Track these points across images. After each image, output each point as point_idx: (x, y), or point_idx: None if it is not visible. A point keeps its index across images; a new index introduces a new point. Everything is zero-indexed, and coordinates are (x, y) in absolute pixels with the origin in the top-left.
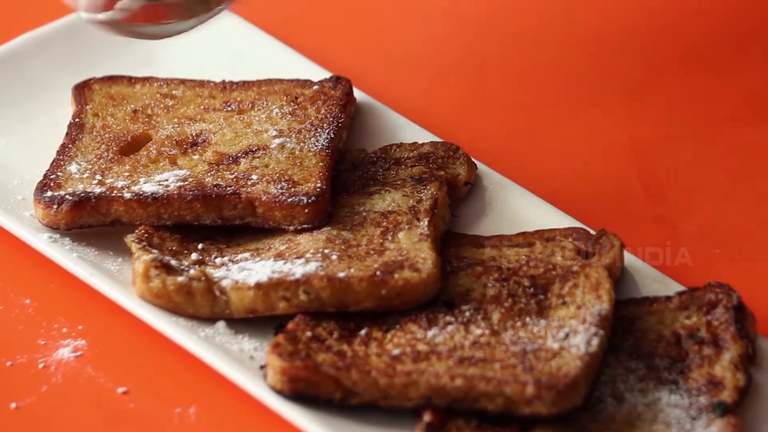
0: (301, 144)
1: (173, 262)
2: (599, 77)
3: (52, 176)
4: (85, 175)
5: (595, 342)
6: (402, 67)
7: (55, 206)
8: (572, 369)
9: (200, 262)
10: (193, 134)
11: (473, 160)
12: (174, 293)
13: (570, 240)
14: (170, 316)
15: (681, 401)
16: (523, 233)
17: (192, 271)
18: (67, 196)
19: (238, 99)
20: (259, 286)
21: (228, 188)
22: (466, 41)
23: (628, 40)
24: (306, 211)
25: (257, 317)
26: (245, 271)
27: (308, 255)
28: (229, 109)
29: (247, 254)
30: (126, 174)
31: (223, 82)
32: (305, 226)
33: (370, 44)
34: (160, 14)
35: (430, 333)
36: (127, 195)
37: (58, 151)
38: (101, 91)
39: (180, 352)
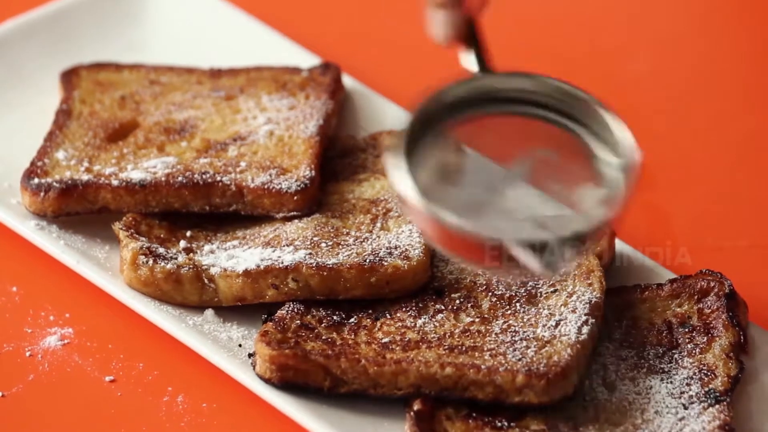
0: (290, 131)
1: (161, 250)
2: (591, 64)
3: (39, 163)
4: (73, 162)
5: (585, 330)
6: (392, 53)
7: (42, 193)
8: (563, 358)
9: (188, 250)
10: (181, 121)
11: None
12: (162, 281)
13: None
14: (158, 304)
15: (672, 390)
16: None
17: (180, 259)
18: (54, 183)
19: (227, 85)
20: (247, 273)
21: (216, 175)
22: None
23: (619, 28)
24: (295, 198)
25: (246, 305)
26: (234, 258)
27: (297, 242)
28: (218, 95)
29: (235, 242)
30: (113, 161)
31: (211, 68)
32: (294, 213)
33: (360, 30)
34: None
35: (420, 321)
36: (115, 182)
37: (45, 138)
38: (89, 77)
39: (168, 341)
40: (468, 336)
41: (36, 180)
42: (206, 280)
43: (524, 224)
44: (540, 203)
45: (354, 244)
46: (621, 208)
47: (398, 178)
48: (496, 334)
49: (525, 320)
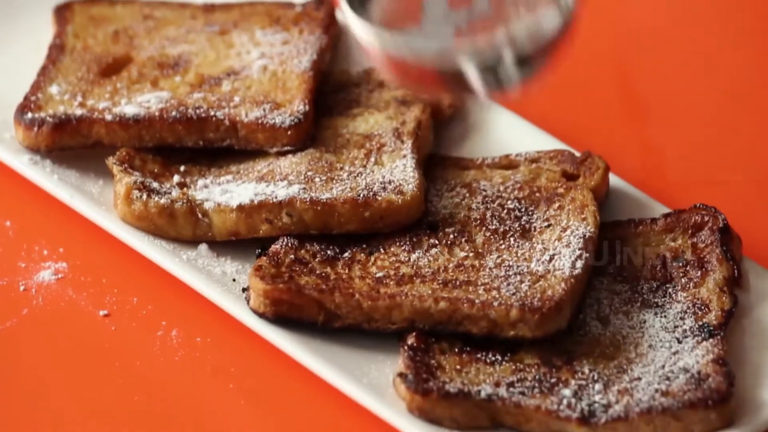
0: (284, 66)
1: (155, 185)
2: (589, 8)
3: (32, 98)
4: (66, 96)
5: (579, 265)
6: None
7: (35, 128)
8: (557, 292)
9: (182, 185)
10: (175, 56)
11: None
12: (156, 215)
13: (555, 162)
14: (152, 239)
15: (666, 324)
16: (508, 156)
17: (174, 194)
18: (48, 118)
19: (220, 20)
20: (241, 208)
21: (210, 110)
22: None
23: None
24: (289, 133)
25: (240, 240)
26: (228, 193)
27: (291, 177)
28: (211, 30)
29: (229, 176)
30: (107, 96)
31: (205, 3)
32: (288, 148)
33: None
34: None
35: (414, 256)
36: (108, 117)
37: (38, 72)
38: (82, 12)
39: (162, 275)
40: (462, 270)
41: (29, 115)
42: (200, 215)
43: (475, 43)
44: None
45: (348, 179)
46: (568, 26)
47: (350, 15)
48: (490, 268)
49: (519, 255)
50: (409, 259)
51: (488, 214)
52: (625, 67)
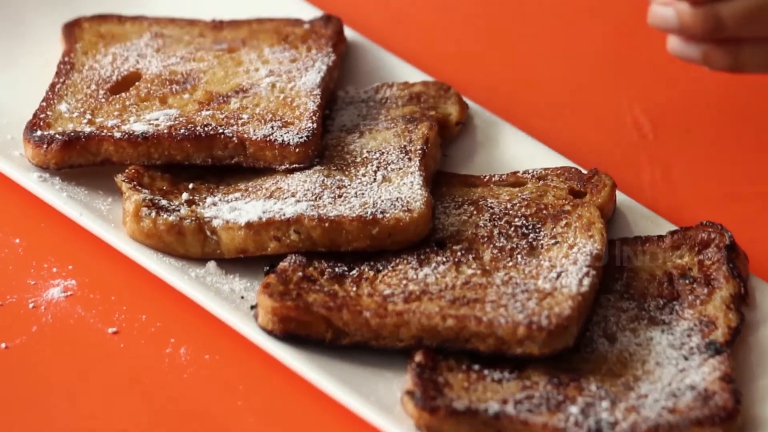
0: (292, 83)
1: (164, 202)
2: (592, 16)
3: (41, 115)
4: (75, 114)
5: (586, 282)
6: (393, 6)
7: (44, 146)
8: (564, 309)
9: (191, 202)
10: (184, 73)
11: (465, 99)
12: (164, 233)
13: (562, 180)
14: (161, 256)
15: (673, 341)
16: (515, 173)
17: (182, 211)
18: (57, 136)
19: (229, 38)
20: (249, 225)
21: (218, 128)
22: None
23: None
24: (296, 150)
25: (248, 257)
26: (236, 210)
27: (299, 195)
28: (220, 48)
29: (237, 194)
30: (116, 113)
31: (214, 20)
32: (296, 165)
33: None
34: None
35: (422, 273)
36: (117, 134)
37: (47, 90)
38: (91, 29)
39: (170, 292)
40: (469, 288)
41: (39, 132)
42: (208, 232)
43: None
44: None
45: (356, 196)
46: None
47: None
48: (497, 285)
49: (526, 272)
50: (417, 276)
51: (495, 231)
52: (631, 84)
